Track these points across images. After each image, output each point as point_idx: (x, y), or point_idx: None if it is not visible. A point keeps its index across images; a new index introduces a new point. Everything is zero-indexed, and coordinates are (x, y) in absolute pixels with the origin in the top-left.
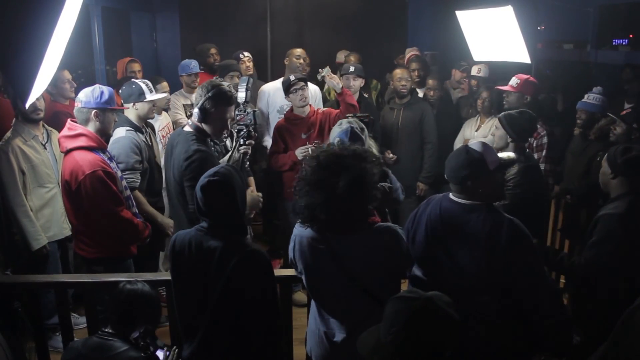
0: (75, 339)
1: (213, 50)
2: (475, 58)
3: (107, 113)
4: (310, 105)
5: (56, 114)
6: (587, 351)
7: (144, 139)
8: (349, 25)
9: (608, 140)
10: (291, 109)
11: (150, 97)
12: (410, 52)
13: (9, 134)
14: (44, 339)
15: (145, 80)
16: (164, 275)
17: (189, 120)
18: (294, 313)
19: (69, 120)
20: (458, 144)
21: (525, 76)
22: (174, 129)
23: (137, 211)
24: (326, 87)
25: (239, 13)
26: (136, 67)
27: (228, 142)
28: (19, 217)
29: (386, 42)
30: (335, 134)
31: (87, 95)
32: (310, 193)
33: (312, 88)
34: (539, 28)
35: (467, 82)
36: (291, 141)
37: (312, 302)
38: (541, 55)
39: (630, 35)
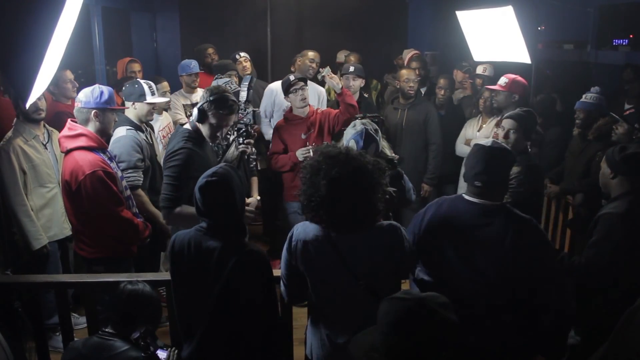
0: (76, 339)
1: (210, 50)
2: (476, 58)
3: (107, 113)
4: (309, 105)
5: (58, 114)
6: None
7: (145, 138)
8: (349, 25)
9: (607, 140)
10: (290, 109)
11: (150, 99)
12: (411, 52)
13: (10, 133)
14: (44, 339)
15: (150, 82)
16: (164, 275)
17: (190, 119)
18: (294, 313)
19: (69, 120)
20: (459, 144)
21: (513, 76)
22: (174, 129)
23: (137, 211)
24: (326, 86)
25: (239, 13)
26: (136, 67)
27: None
28: (19, 216)
29: (386, 42)
30: (350, 135)
31: (87, 96)
32: (310, 182)
33: (318, 90)
34: (539, 28)
35: (469, 82)
36: (291, 141)
37: (311, 304)
38: (541, 55)
39: (631, 36)
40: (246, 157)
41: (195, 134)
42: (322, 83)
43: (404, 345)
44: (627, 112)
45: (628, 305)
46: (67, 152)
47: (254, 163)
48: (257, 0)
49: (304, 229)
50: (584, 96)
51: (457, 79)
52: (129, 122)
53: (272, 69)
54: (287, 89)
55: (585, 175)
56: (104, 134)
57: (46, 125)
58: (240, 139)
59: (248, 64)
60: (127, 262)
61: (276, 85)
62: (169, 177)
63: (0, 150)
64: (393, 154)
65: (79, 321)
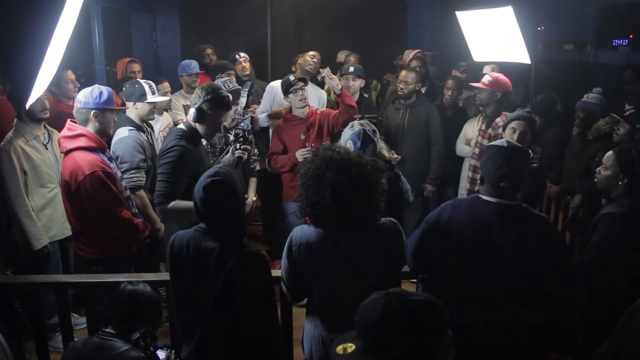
0: (76, 339)
1: (209, 51)
2: (475, 58)
3: (106, 113)
4: (309, 105)
5: (60, 114)
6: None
7: (146, 138)
8: (349, 25)
9: (607, 140)
10: (290, 109)
11: (151, 98)
12: (413, 52)
13: (10, 133)
14: (44, 339)
15: (150, 82)
16: (164, 275)
17: (184, 119)
18: (294, 313)
19: (68, 120)
20: (460, 144)
21: (497, 74)
22: None
23: (137, 211)
24: (326, 87)
25: (239, 13)
26: (136, 67)
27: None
28: (20, 216)
29: (386, 42)
30: (348, 136)
31: (86, 96)
32: (311, 189)
33: (320, 94)
34: (539, 28)
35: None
36: (290, 142)
37: (309, 307)
38: (541, 55)
39: (630, 36)
40: (246, 157)
41: (189, 132)
42: (322, 84)
43: (383, 341)
44: (628, 112)
45: (628, 305)
46: (67, 152)
47: (255, 164)
48: (257, 0)
49: (303, 232)
50: (585, 96)
51: None
52: (131, 123)
53: (272, 69)
54: (287, 89)
55: (585, 176)
56: (104, 135)
57: (46, 126)
58: (238, 144)
59: (247, 65)
60: (127, 262)
61: (277, 84)
62: (163, 174)
63: (1, 151)
64: (392, 155)
65: (79, 321)
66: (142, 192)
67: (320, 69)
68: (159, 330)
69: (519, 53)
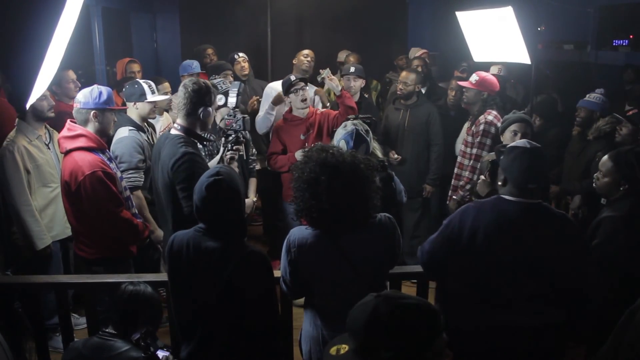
0: (76, 339)
1: (210, 51)
2: (475, 59)
3: (106, 113)
4: (309, 106)
5: (61, 114)
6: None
7: (146, 138)
8: (349, 25)
9: (608, 140)
10: (290, 110)
11: (151, 98)
12: (419, 51)
13: (13, 133)
14: (44, 339)
15: (149, 82)
16: (164, 276)
17: (175, 124)
18: (294, 313)
19: (68, 120)
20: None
21: (484, 74)
22: None
23: (136, 212)
24: (326, 87)
25: (239, 13)
26: (135, 67)
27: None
28: (24, 216)
29: (386, 42)
30: (340, 136)
31: (86, 96)
32: (307, 193)
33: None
34: (539, 29)
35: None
36: (290, 142)
37: (308, 307)
38: (541, 55)
39: (631, 36)
40: (245, 158)
41: (187, 137)
42: (321, 84)
43: (374, 342)
44: (631, 112)
45: (628, 305)
46: (67, 152)
47: (253, 165)
48: (257, 0)
49: (300, 233)
50: (587, 95)
51: None
52: (131, 123)
53: (272, 68)
54: (287, 89)
55: (585, 176)
56: (104, 135)
57: (47, 126)
58: (229, 145)
59: (246, 65)
60: (127, 262)
61: (275, 85)
62: (187, 189)
63: (5, 150)
64: (393, 155)
65: (79, 321)
66: (139, 193)
67: (321, 70)
68: (159, 330)
69: (519, 53)
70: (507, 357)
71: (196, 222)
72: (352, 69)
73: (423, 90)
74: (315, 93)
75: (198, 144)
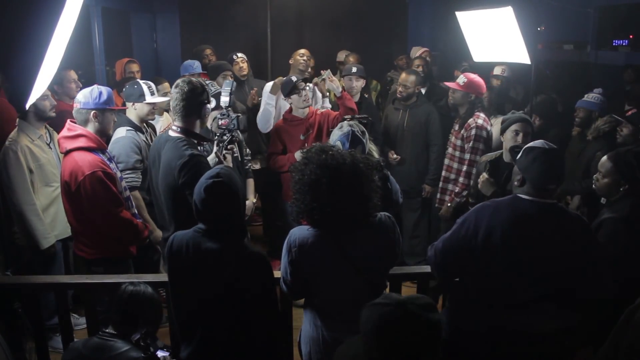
0: (76, 340)
1: (208, 51)
2: (475, 59)
3: (106, 113)
4: (309, 106)
5: (61, 114)
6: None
7: (145, 139)
8: (349, 25)
9: (607, 140)
10: (290, 110)
11: (149, 99)
12: (420, 50)
13: (15, 133)
14: (44, 340)
15: (149, 83)
16: (164, 276)
17: (173, 125)
18: (294, 314)
19: (68, 120)
20: None
21: (472, 76)
22: None
23: (136, 212)
24: (326, 87)
25: (239, 13)
26: (135, 67)
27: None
28: (28, 215)
29: (386, 42)
30: (336, 137)
31: (86, 96)
32: (308, 195)
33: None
34: (539, 29)
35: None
36: (290, 142)
37: (308, 308)
38: (541, 56)
39: (630, 36)
40: (240, 159)
41: (188, 138)
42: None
43: (387, 350)
44: (630, 112)
45: (628, 305)
46: (67, 152)
47: (249, 165)
48: (257, 1)
49: (301, 233)
50: (586, 95)
51: None
52: (129, 123)
53: (272, 68)
54: (290, 91)
55: (585, 176)
56: (104, 135)
57: (47, 126)
58: (222, 144)
59: (245, 65)
60: (127, 263)
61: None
62: None
63: (8, 150)
64: (392, 155)
65: (79, 322)
66: (136, 193)
67: (322, 71)
68: (159, 330)
69: (519, 53)
70: None
71: (196, 223)
72: (354, 69)
73: (423, 91)
74: (313, 84)
75: (197, 144)
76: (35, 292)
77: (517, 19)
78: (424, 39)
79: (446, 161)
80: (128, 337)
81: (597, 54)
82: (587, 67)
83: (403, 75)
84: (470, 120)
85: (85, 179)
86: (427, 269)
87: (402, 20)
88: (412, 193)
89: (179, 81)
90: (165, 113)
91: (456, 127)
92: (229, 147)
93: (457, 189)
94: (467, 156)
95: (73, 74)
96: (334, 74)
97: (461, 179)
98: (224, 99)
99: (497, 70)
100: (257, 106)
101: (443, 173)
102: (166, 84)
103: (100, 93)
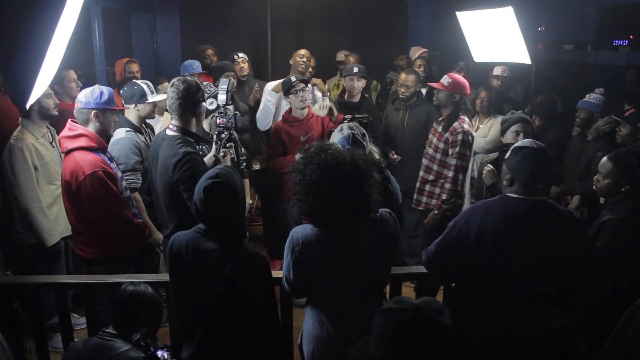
0: (76, 340)
1: (210, 51)
2: (476, 59)
3: (107, 113)
4: (309, 107)
5: (62, 113)
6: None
7: (144, 140)
8: (349, 25)
9: (607, 140)
10: (289, 110)
11: (152, 98)
12: (420, 51)
13: (18, 131)
14: (44, 339)
15: (147, 81)
16: (164, 276)
17: (170, 124)
18: (295, 314)
19: (69, 120)
20: None
21: (456, 76)
22: None
23: (137, 212)
24: (326, 87)
25: (239, 13)
26: (134, 67)
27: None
28: (34, 213)
29: (386, 42)
30: (337, 140)
31: (87, 96)
32: (310, 196)
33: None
34: (539, 29)
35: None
36: (290, 143)
37: (311, 307)
38: (541, 56)
39: (631, 36)
40: (237, 160)
41: (184, 137)
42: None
43: (404, 356)
44: (627, 112)
45: (628, 306)
46: (67, 152)
47: (244, 164)
48: (257, 1)
49: (304, 232)
50: (587, 96)
51: None
52: (129, 124)
53: (272, 69)
54: (287, 90)
55: (585, 176)
56: (104, 135)
57: (48, 125)
58: (222, 143)
59: (246, 65)
60: (127, 262)
61: (274, 83)
62: (191, 188)
63: (14, 147)
64: (392, 155)
65: (79, 321)
66: (136, 195)
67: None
68: (159, 330)
69: (519, 53)
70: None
71: (196, 221)
72: (356, 69)
73: (423, 91)
74: (312, 84)
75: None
76: (35, 292)
77: (518, 19)
78: (424, 39)
79: (425, 162)
80: (128, 337)
81: (597, 54)
82: (587, 67)
83: (403, 75)
84: (456, 124)
85: (86, 179)
86: None
87: (402, 20)
88: (412, 193)
89: (174, 80)
90: (165, 112)
91: (439, 128)
92: (227, 145)
93: (444, 196)
94: (453, 162)
95: (73, 74)
96: (334, 74)
97: (448, 185)
98: (221, 97)
99: (497, 71)
100: (258, 105)
101: (421, 174)
102: (166, 84)
103: (102, 93)
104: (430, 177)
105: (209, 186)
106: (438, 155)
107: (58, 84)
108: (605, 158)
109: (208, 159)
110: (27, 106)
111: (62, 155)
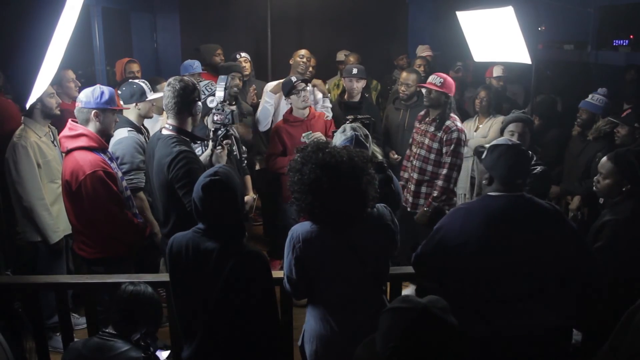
0: (76, 340)
1: (219, 51)
2: (476, 59)
3: (107, 113)
4: (310, 107)
5: (61, 112)
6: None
7: (144, 140)
8: (349, 25)
9: (607, 140)
10: (290, 110)
11: (151, 96)
12: (425, 52)
13: (21, 129)
14: (44, 339)
15: (144, 80)
16: (164, 276)
17: (166, 124)
18: (295, 313)
19: (69, 120)
20: None
21: (445, 75)
22: None
23: (137, 212)
24: (326, 86)
25: (239, 13)
26: (135, 67)
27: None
28: (39, 210)
29: (386, 42)
30: (340, 141)
31: (88, 96)
32: (309, 195)
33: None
34: (539, 29)
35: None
36: (290, 143)
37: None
38: (542, 55)
39: (631, 36)
40: (239, 157)
41: (179, 136)
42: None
43: (412, 355)
44: (625, 112)
45: (628, 306)
46: (68, 152)
47: (245, 162)
48: (257, 0)
49: (304, 229)
50: (590, 96)
51: None
52: (129, 124)
53: (272, 69)
54: (289, 91)
55: (585, 176)
56: (105, 134)
57: (50, 124)
58: (219, 140)
59: (248, 65)
60: (127, 262)
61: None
62: (186, 186)
63: (18, 145)
64: (393, 155)
65: (79, 321)
66: (141, 194)
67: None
68: (159, 330)
69: (519, 53)
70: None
71: (193, 219)
72: (355, 71)
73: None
74: (312, 84)
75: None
76: (36, 292)
77: (518, 18)
78: (424, 39)
79: (417, 163)
80: (128, 337)
81: (598, 54)
82: (588, 67)
83: (404, 74)
84: (449, 123)
85: (86, 179)
86: None
87: (403, 20)
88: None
89: (171, 79)
90: (165, 112)
91: (431, 128)
92: (224, 142)
93: (435, 193)
94: (448, 159)
95: (71, 74)
96: (334, 74)
97: (440, 182)
98: (219, 94)
99: (497, 71)
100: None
101: (415, 176)
102: (164, 84)
103: (102, 93)
104: (426, 178)
105: (207, 184)
106: (432, 156)
107: (56, 83)
108: (605, 158)
109: (204, 157)
110: (27, 105)
111: (63, 154)
